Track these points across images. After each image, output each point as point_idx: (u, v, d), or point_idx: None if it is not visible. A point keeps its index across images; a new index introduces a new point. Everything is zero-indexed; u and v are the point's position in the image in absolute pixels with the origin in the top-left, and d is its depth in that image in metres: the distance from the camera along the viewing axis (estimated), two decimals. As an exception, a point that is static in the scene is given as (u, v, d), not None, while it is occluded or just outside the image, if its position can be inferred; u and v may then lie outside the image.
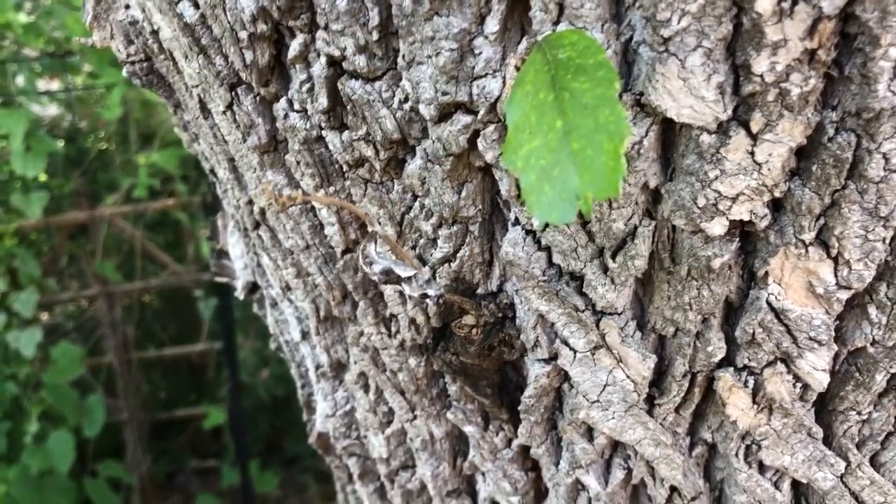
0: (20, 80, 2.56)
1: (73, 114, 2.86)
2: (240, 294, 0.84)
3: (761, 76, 0.45)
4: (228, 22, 0.56)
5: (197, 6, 0.58)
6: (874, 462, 0.59)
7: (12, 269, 2.67)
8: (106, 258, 2.91)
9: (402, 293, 0.62)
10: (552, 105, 0.41)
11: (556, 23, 0.46)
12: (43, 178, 2.62)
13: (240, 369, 2.82)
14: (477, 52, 0.49)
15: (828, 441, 0.59)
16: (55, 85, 2.89)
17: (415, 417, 0.71)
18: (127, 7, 0.66)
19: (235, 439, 2.74)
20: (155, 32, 0.64)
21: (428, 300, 0.49)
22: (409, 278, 0.48)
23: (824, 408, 0.59)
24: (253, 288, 0.84)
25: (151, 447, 3.10)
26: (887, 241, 0.50)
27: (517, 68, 0.48)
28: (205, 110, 0.66)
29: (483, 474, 0.72)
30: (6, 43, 2.60)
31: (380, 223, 0.60)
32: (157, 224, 3.22)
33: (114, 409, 2.89)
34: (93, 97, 2.87)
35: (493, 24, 0.48)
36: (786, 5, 0.43)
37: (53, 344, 2.63)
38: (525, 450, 0.68)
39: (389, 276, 0.48)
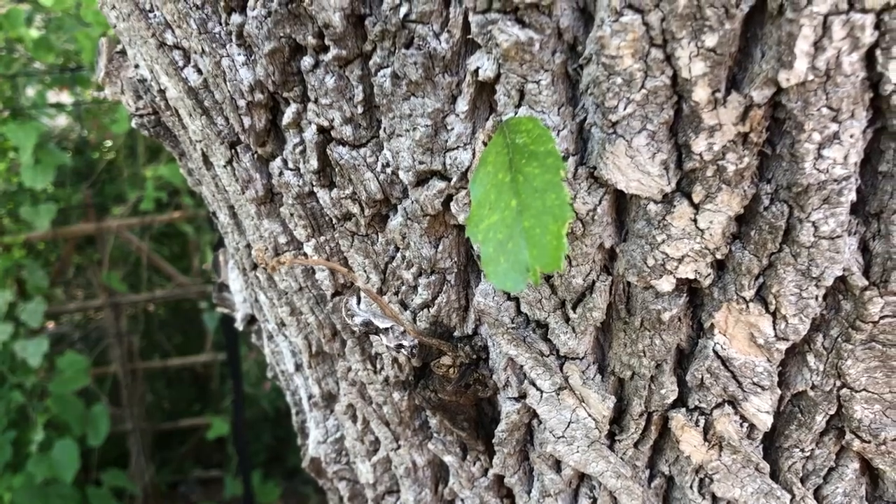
0: (30, 92, 2.61)
1: (82, 126, 2.91)
2: (239, 325, 0.90)
3: (700, 155, 0.51)
4: (228, 91, 0.62)
5: (200, 72, 0.64)
6: (817, 495, 0.64)
7: (20, 280, 2.72)
8: (112, 269, 2.96)
9: (385, 335, 0.68)
10: (509, 185, 0.46)
11: (518, 106, 0.52)
12: (50, 189, 2.66)
13: (243, 381, 2.86)
14: (449, 127, 0.55)
15: (775, 475, 0.64)
16: (65, 96, 2.94)
17: (399, 447, 0.77)
18: (136, 67, 0.72)
19: (238, 450, 2.78)
20: (162, 91, 0.70)
21: (403, 350, 0.55)
22: (387, 330, 0.54)
23: (772, 444, 0.64)
24: (251, 320, 0.89)
25: (155, 457, 3.15)
26: (819, 298, 0.56)
27: (485, 143, 0.54)
28: (207, 162, 0.71)
29: (462, 500, 0.77)
30: (16, 55, 2.65)
31: (365, 271, 0.66)
32: (163, 236, 3.27)
33: (118, 419, 2.93)
34: (101, 109, 2.92)
35: (463, 105, 0.54)
36: (719, 95, 0.49)
37: (59, 353, 2.68)
38: (500, 478, 0.73)
39: (369, 328, 0.54)
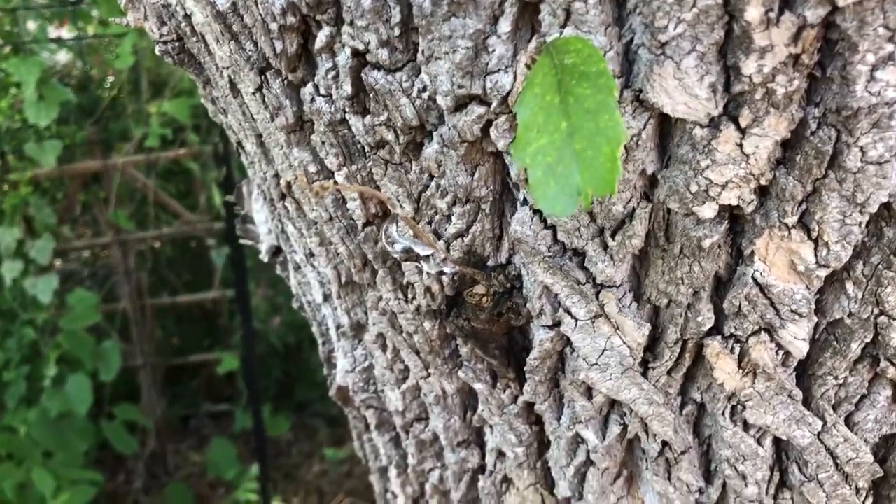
0: (31, 27, 2.56)
1: (84, 62, 2.87)
2: (264, 257, 0.90)
3: (749, 77, 0.50)
4: (260, 13, 0.60)
5: (229, -5, 0.63)
6: (848, 422, 0.65)
7: (28, 217, 2.71)
8: (119, 207, 2.95)
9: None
10: (558, 107, 0.45)
11: (564, 26, 0.51)
12: (54, 126, 2.63)
13: (252, 316, 2.87)
14: (490, 49, 0.53)
15: (807, 402, 0.65)
16: (65, 32, 2.89)
17: (429, 375, 0.77)
18: (160, -9, 0.70)
19: (248, 384, 2.82)
20: (187, 16, 0.68)
21: (444, 276, 0.55)
22: (428, 257, 0.53)
23: (804, 372, 0.64)
24: (276, 251, 0.89)
25: (166, 392, 3.19)
26: (863, 225, 0.55)
27: (528, 66, 0.53)
28: (234, 90, 0.70)
29: (491, 427, 0.78)
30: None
31: (399, 200, 0.65)
32: (168, 173, 3.26)
33: (129, 355, 2.96)
34: (103, 44, 2.87)
35: (505, 25, 0.52)
36: (773, 15, 0.47)
37: (69, 290, 2.69)
38: (529, 406, 0.74)
39: (410, 255, 0.54)
